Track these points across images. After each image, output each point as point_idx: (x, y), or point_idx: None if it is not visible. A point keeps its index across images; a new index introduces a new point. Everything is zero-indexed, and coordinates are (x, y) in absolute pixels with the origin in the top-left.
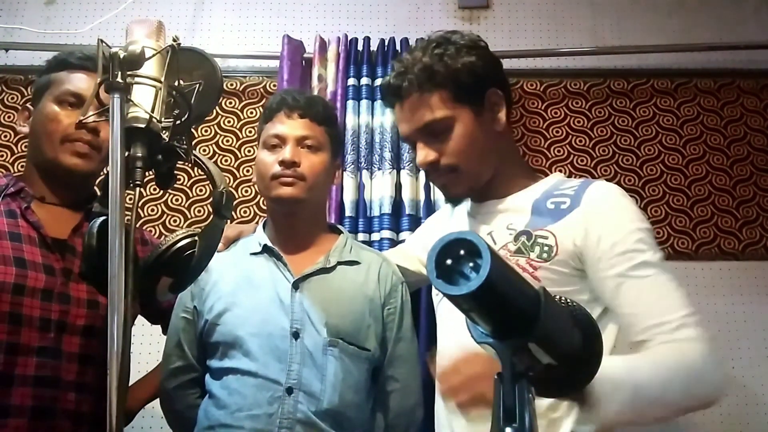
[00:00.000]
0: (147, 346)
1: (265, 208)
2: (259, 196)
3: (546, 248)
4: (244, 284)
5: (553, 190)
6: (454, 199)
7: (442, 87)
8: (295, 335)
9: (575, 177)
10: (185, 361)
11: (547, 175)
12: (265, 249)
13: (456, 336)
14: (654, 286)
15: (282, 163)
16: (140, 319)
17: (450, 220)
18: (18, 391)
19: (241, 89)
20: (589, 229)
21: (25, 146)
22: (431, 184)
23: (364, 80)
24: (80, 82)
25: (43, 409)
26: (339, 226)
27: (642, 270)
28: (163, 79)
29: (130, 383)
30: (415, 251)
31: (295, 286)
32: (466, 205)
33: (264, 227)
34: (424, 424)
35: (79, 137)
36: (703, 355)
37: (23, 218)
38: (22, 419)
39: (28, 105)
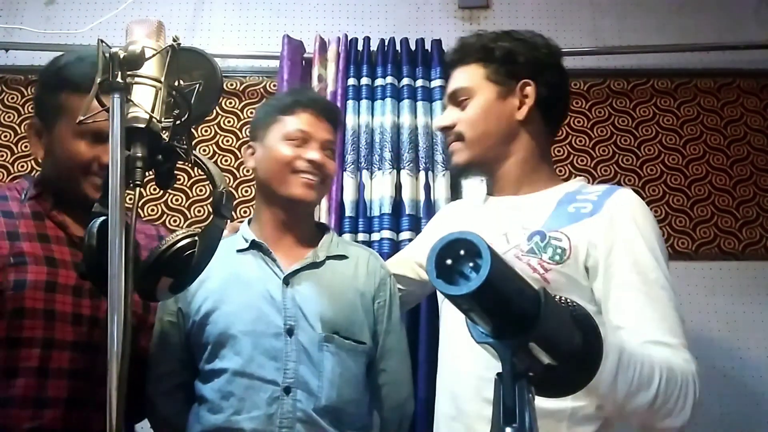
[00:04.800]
0: None
1: None
2: None
3: (559, 250)
4: (232, 281)
5: (575, 194)
6: (456, 170)
7: (476, 61)
8: (290, 332)
9: (575, 177)
10: (171, 365)
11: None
12: (253, 245)
13: (461, 334)
14: (659, 305)
15: (312, 162)
16: None
17: (461, 218)
18: (53, 383)
19: (241, 89)
20: (605, 237)
21: (26, 146)
22: (431, 184)
23: (364, 80)
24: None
25: (77, 400)
26: (326, 224)
27: (649, 287)
28: (163, 79)
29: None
30: (413, 256)
31: (286, 281)
32: (481, 201)
33: (248, 224)
34: (425, 426)
35: (101, 173)
36: (694, 379)
37: (49, 219)
38: (58, 410)
39: (37, 121)
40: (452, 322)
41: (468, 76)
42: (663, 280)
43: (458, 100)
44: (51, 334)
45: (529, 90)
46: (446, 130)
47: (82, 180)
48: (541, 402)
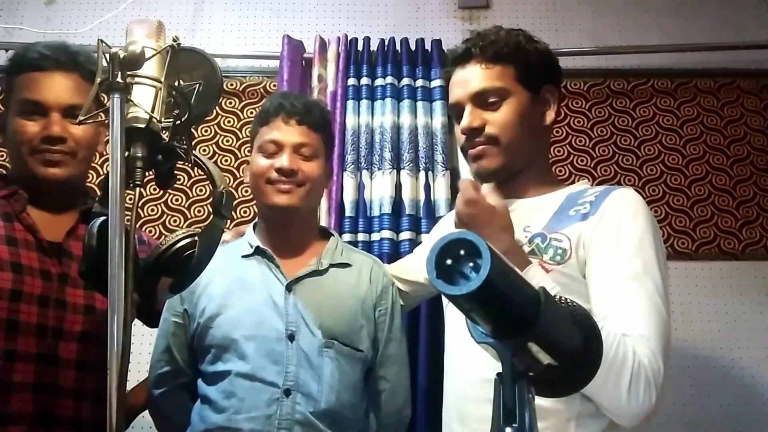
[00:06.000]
0: (147, 347)
1: None
2: None
3: (560, 251)
4: (236, 286)
5: (578, 197)
6: (482, 174)
7: (508, 62)
8: (291, 337)
9: (577, 178)
10: (174, 365)
11: (567, 180)
12: (257, 251)
13: (466, 336)
14: (630, 298)
15: (280, 170)
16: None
17: None
18: (17, 397)
19: (241, 89)
20: (592, 235)
21: None
22: (431, 184)
23: (364, 80)
24: (36, 86)
25: (43, 416)
26: (329, 230)
27: (623, 281)
28: (163, 79)
29: (129, 385)
30: (417, 259)
31: (289, 288)
32: None
33: (254, 229)
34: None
35: (46, 148)
36: (645, 371)
37: (18, 221)
38: (22, 426)
39: (2, 110)
40: (457, 324)
41: (497, 76)
42: (642, 275)
43: (488, 100)
44: (13, 346)
45: (551, 94)
46: (474, 131)
47: (28, 157)
48: (548, 401)
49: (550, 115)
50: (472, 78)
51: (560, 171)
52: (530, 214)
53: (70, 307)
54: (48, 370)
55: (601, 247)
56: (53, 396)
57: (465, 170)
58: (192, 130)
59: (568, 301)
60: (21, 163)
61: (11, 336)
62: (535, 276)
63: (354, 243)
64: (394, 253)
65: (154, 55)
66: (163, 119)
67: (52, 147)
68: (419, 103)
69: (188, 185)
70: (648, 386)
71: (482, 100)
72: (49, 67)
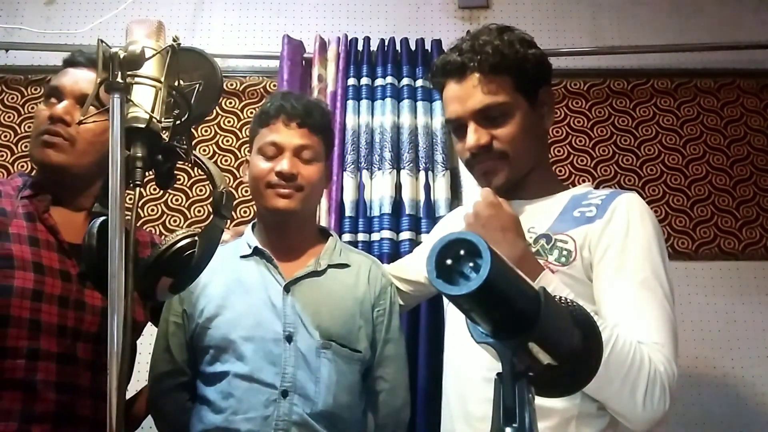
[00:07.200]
0: (147, 347)
1: None
2: None
3: (565, 252)
4: (235, 287)
5: (581, 199)
6: (496, 189)
7: (507, 73)
8: (288, 338)
9: (577, 178)
10: (173, 365)
11: (567, 180)
12: (256, 251)
13: (466, 336)
14: (641, 305)
15: (280, 174)
16: None
17: None
18: (42, 396)
19: (241, 89)
20: (599, 240)
21: (25, 146)
22: (431, 184)
23: (364, 80)
24: (62, 76)
25: (65, 415)
26: (328, 230)
27: (634, 288)
28: (163, 79)
29: (135, 387)
30: (418, 259)
31: (287, 289)
32: None
33: (252, 229)
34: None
35: (47, 128)
36: (661, 378)
37: (41, 222)
38: (46, 425)
39: None
40: (457, 323)
41: (498, 90)
42: (652, 280)
43: (491, 116)
44: (37, 345)
45: (547, 96)
46: (484, 148)
47: (34, 140)
48: (549, 401)
49: (549, 118)
50: (472, 94)
51: (560, 171)
52: (534, 215)
53: (89, 309)
54: (68, 370)
55: (609, 252)
56: (74, 396)
57: (465, 170)
58: (192, 130)
59: (568, 301)
60: (31, 150)
61: (34, 335)
62: (550, 282)
63: (354, 243)
64: (394, 253)
65: (154, 55)
66: (163, 119)
67: (52, 128)
68: (419, 103)
69: (188, 185)
70: (663, 392)
71: (485, 116)
72: (80, 63)
